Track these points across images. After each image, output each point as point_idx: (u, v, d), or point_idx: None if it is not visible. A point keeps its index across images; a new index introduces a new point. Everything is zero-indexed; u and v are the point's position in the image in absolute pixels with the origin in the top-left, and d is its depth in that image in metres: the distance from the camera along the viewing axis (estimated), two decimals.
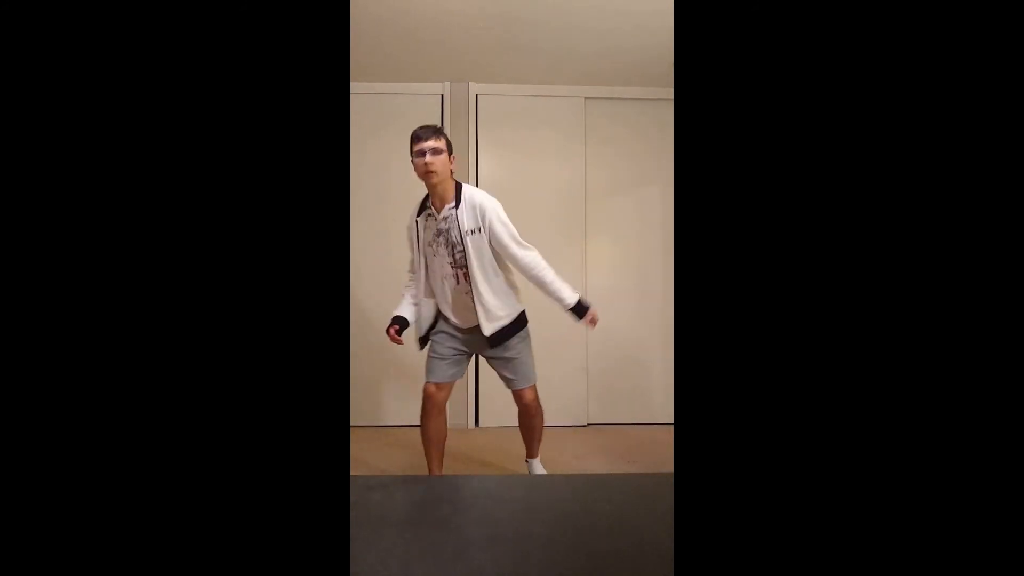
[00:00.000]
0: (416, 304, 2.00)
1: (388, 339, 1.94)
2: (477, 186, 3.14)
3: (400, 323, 1.98)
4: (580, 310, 1.94)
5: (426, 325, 2.01)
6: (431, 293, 1.99)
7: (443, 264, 1.91)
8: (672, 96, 3.26)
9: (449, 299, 1.96)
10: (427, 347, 2.05)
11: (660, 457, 2.56)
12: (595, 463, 2.50)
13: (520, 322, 2.00)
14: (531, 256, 1.92)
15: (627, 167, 3.28)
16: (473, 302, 1.90)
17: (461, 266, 1.90)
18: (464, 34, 2.61)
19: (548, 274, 1.93)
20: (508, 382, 2.02)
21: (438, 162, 1.82)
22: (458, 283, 1.93)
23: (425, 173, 1.83)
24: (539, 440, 2.14)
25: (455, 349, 2.01)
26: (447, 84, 3.17)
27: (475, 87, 3.19)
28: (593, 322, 1.96)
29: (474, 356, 2.23)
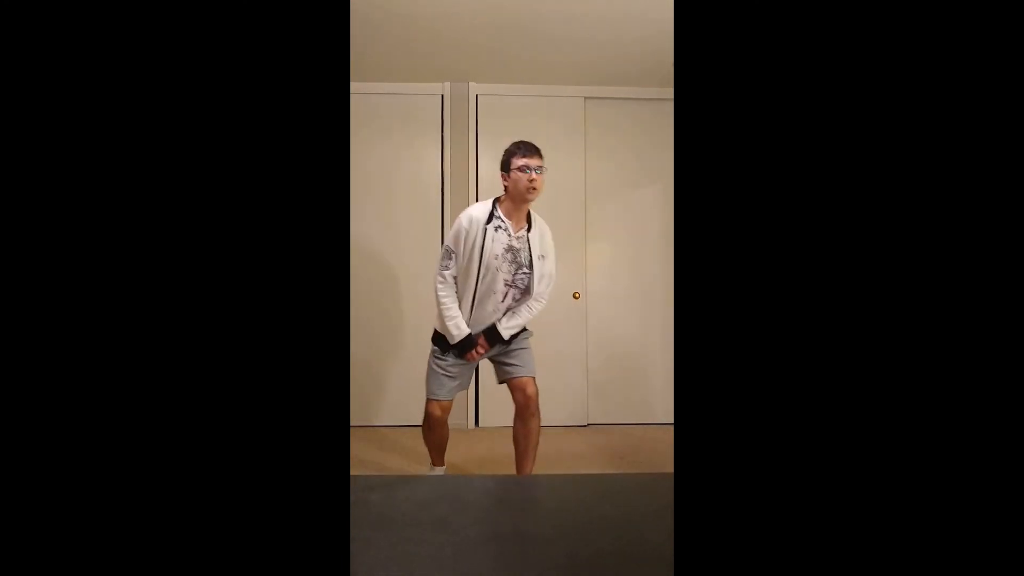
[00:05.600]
0: (465, 314, 1.99)
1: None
2: (477, 186, 3.16)
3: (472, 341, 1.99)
4: (494, 337, 2.00)
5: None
6: (479, 302, 1.97)
7: (499, 279, 1.94)
8: (672, 96, 3.27)
9: (485, 310, 1.98)
10: (433, 359, 2.04)
11: (660, 457, 2.56)
12: (595, 463, 2.50)
13: None
14: (540, 306, 2.03)
15: (627, 167, 3.27)
16: (504, 313, 1.99)
17: (516, 286, 1.97)
18: (464, 34, 2.61)
19: (527, 315, 2.02)
20: (514, 370, 2.01)
21: (539, 181, 1.89)
22: (503, 300, 1.97)
23: (528, 189, 1.88)
24: (533, 458, 2.04)
25: (462, 364, 2.02)
26: (447, 84, 3.17)
27: (475, 87, 3.19)
28: (472, 357, 2.01)
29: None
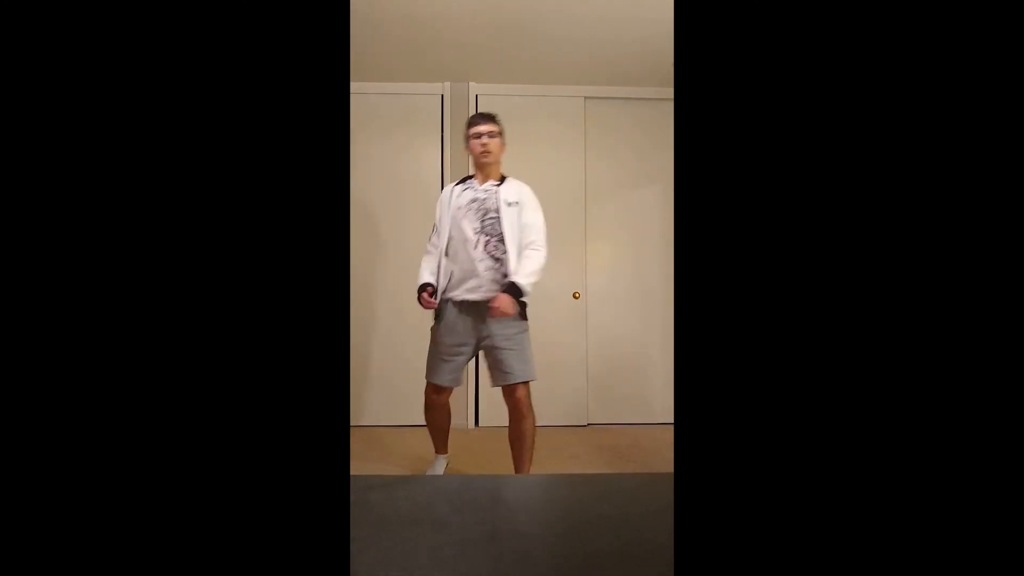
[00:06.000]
0: (437, 270, 2.09)
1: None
2: None
3: (431, 287, 2.05)
4: (517, 292, 1.96)
5: (441, 292, 2.08)
6: (452, 257, 2.07)
7: (465, 226, 2.03)
8: (672, 96, 3.27)
9: (466, 263, 2.02)
10: (431, 342, 2.07)
11: (660, 457, 2.57)
12: (595, 463, 2.50)
13: (524, 313, 2.03)
14: (540, 254, 2.02)
15: (627, 167, 3.28)
16: (491, 269, 2.00)
17: (486, 232, 2.02)
18: (464, 34, 2.61)
19: (533, 263, 2.01)
20: (503, 376, 1.99)
21: (493, 144, 2.06)
22: (478, 247, 2.02)
23: (482, 154, 2.05)
24: (530, 458, 2.04)
25: (460, 343, 2.02)
26: (447, 84, 3.17)
27: (475, 87, 3.19)
28: (498, 310, 1.93)
29: (474, 358, 2.22)
